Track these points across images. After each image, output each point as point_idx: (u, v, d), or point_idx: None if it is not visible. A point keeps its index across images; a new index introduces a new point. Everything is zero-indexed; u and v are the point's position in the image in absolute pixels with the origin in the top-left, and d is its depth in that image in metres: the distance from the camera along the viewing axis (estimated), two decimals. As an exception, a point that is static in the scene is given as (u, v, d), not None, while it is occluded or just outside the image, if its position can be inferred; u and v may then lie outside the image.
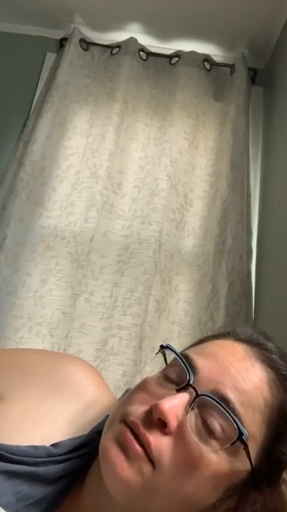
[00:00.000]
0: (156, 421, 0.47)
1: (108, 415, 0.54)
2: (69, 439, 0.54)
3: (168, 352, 0.55)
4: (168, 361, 0.55)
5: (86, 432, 0.55)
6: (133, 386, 0.55)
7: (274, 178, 1.56)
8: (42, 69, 1.91)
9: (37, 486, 0.50)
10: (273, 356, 0.53)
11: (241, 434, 0.46)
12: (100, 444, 0.49)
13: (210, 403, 0.47)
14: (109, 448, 0.47)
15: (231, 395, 0.48)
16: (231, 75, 1.84)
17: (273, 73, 1.80)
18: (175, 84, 1.80)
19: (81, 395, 0.58)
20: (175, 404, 0.47)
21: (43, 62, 1.93)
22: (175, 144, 1.68)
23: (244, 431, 0.46)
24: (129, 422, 0.48)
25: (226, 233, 1.51)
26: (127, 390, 0.68)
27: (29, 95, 1.87)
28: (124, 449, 0.47)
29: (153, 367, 0.55)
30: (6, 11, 1.93)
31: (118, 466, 0.46)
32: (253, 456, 0.48)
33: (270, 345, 0.55)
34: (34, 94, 1.86)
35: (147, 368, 0.55)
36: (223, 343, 0.55)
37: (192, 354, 0.53)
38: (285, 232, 1.32)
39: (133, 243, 1.55)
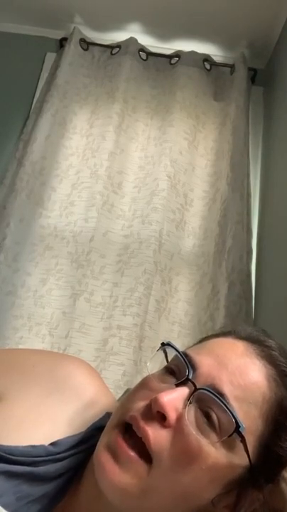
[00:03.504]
0: (155, 414, 0.47)
1: (107, 412, 0.55)
2: (68, 437, 0.54)
3: (168, 349, 0.55)
4: (169, 358, 0.56)
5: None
6: (133, 386, 0.56)
7: (274, 178, 1.56)
8: (42, 69, 1.91)
9: (37, 486, 0.50)
10: (274, 353, 0.54)
11: (238, 426, 0.46)
12: (95, 450, 0.50)
13: (208, 397, 0.48)
14: (100, 454, 0.48)
15: (227, 390, 0.48)
16: (231, 75, 1.84)
17: (273, 73, 1.80)
18: (175, 84, 1.80)
19: (80, 395, 0.58)
20: (174, 398, 0.48)
21: (43, 62, 1.93)
22: (175, 144, 1.68)
23: (241, 423, 0.47)
24: (129, 418, 0.49)
25: (226, 233, 1.51)
26: (127, 390, 0.68)
27: (29, 95, 1.87)
28: (115, 454, 0.47)
29: (153, 364, 0.56)
30: (6, 10, 1.93)
31: (110, 472, 0.46)
32: (250, 450, 0.48)
33: (270, 342, 0.55)
34: (34, 94, 1.87)
35: (148, 364, 0.56)
36: (223, 341, 0.56)
37: (192, 352, 0.53)
38: (285, 232, 1.32)
39: (133, 243, 1.55)
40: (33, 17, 1.94)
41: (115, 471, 0.46)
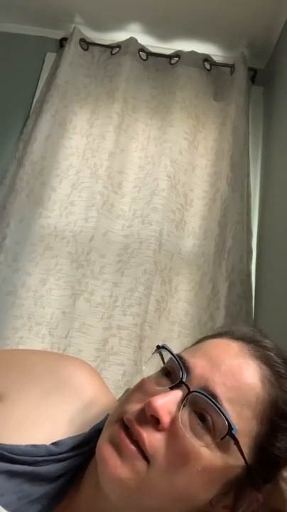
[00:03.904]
0: (149, 418, 0.48)
1: (109, 414, 0.55)
2: (69, 438, 0.54)
3: (164, 352, 0.55)
4: (165, 361, 0.56)
5: (86, 430, 0.55)
6: (133, 386, 0.56)
7: (274, 178, 1.56)
8: (42, 69, 1.92)
9: (37, 485, 0.50)
10: (269, 353, 0.53)
11: (230, 428, 0.46)
12: (97, 444, 0.50)
13: (201, 399, 0.48)
14: (103, 447, 0.48)
15: (219, 392, 0.48)
16: (231, 74, 1.84)
17: (273, 73, 1.80)
18: (175, 84, 1.80)
19: (81, 395, 0.58)
20: (167, 401, 0.48)
21: (43, 62, 1.93)
22: (175, 144, 1.68)
23: (234, 426, 0.47)
24: (125, 420, 0.49)
25: (226, 233, 1.51)
26: (127, 390, 0.68)
27: (29, 95, 1.87)
28: (118, 448, 0.48)
29: (150, 367, 0.56)
30: (6, 10, 1.93)
31: (112, 465, 0.47)
32: (245, 451, 0.48)
33: (266, 342, 0.55)
34: (34, 94, 1.87)
35: (143, 368, 0.56)
36: (218, 342, 0.55)
37: (187, 354, 0.54)
38: (285, 232, 1.32)
39: (133, 243, 1.55)
40: (33, 17, 1.94)
41: (117, 465, 0.47)
